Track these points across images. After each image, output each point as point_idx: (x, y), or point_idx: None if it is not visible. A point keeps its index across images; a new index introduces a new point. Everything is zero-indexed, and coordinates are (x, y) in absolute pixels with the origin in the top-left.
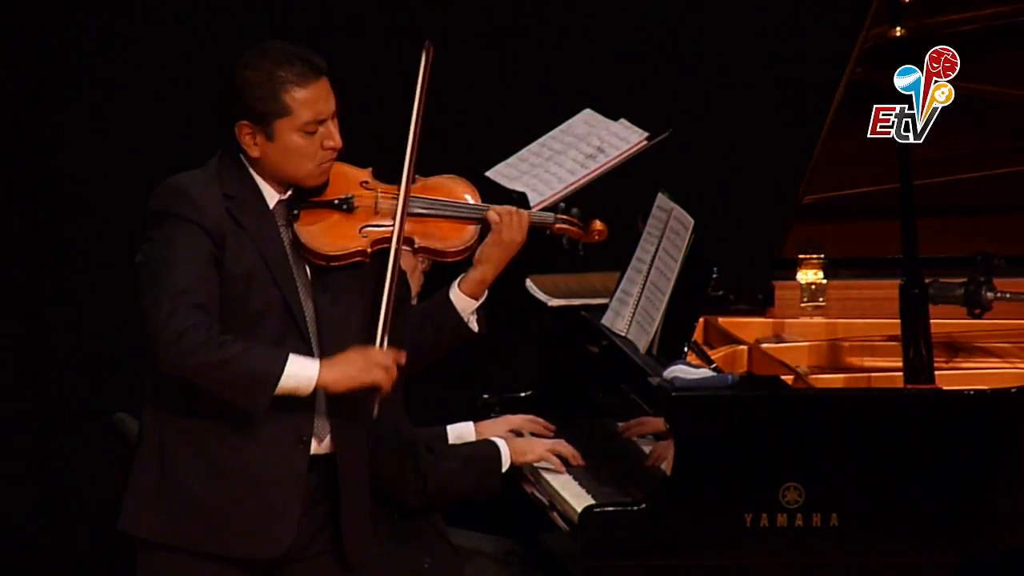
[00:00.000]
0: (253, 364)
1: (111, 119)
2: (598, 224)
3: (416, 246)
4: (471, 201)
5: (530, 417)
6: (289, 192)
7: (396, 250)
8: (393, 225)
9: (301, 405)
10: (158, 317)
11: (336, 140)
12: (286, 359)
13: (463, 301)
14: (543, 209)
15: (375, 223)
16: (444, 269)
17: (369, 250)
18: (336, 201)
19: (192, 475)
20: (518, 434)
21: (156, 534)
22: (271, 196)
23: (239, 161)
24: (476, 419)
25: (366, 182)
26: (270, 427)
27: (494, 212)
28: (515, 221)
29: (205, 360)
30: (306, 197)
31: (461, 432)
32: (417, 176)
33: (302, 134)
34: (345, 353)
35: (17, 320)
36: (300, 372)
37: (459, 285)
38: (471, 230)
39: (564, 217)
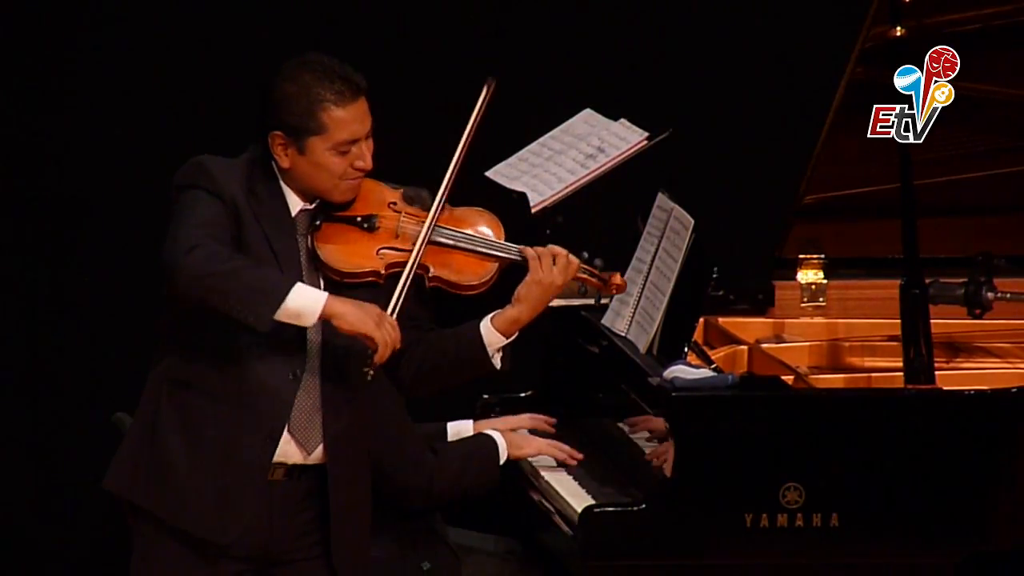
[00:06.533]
0: (263, 276)
1: (111, 119)
2: (618, 279)
3: (431, 275)
4: (495, 238)
5: (529, 416)
6: (316, 203)
7: (422, 243)
8: (412, 250)
9: (281, 398)
10: (175, 240)
11: (367, 161)
12: (296, 280)
13: (492, 336)
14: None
15: (394, 246)
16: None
17: (383, 272)
18: (359, 219)
19: (173, 443)
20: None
21: (129, 492)
22: (295, 204)
23: (268, 165)
24: (476, 419)
25: (394, 203)
26: (249, 414)
27: (533, 251)
28: (558, 263)
29: (215, 269)
30: (331, 211)
31: (460, 429)
32: (447, 205)
33: (334, 152)
34: (362, 302)
35: (17, 320)
36: (309, 293)
37: (492, 320)
38: (489, 267)
39: (586, 268)
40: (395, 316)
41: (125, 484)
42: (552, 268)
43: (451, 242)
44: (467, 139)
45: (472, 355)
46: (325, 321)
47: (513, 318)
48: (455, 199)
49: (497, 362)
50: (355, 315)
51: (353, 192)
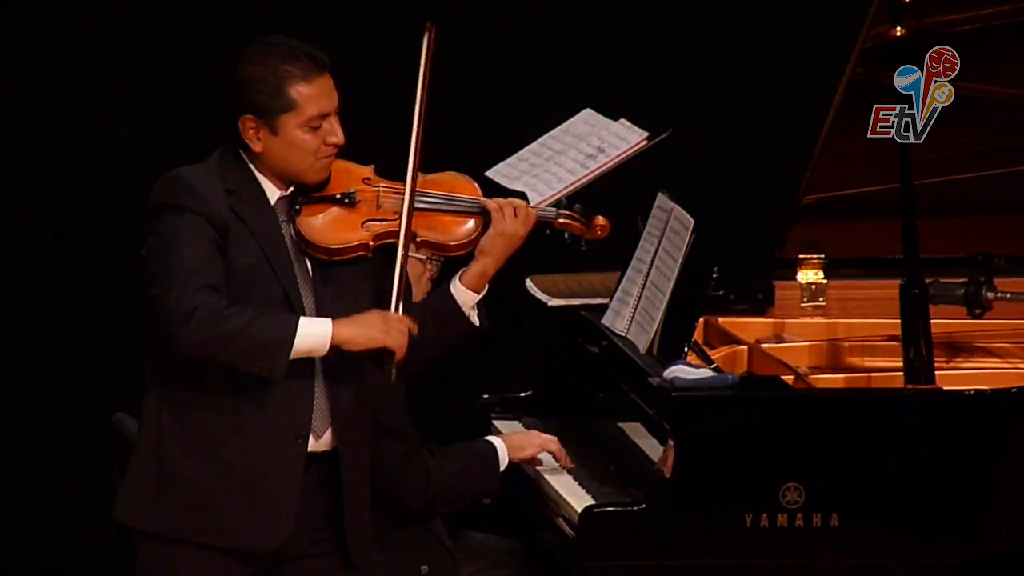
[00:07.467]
0: (266, 330)
1: (109, 118)
2: (600, 220)
3: (419, 239)
4: (472, 196)
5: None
6: (291, 189)
7: (407, 218)
8: (396, 219)
9: (299, 399)
10: (168, 300)
11: (339, 136)
12: (297, 320)
13: (464, 295)
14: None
15: (377, 218)
16: (450, 273)
17: (371, 244)
18: (338, 196)
19: (189, 465)
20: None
21: (151, 524)
22: (272, 192)
23: (239, 157)
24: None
25: (368, 179)
26: (267, 420)
27: (494, 202)
28: (519, 214)
29: (218, 334)
30: (308, 192)
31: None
32: (420, 173)
33: (306, 129)
34: (362, 314)
35: (16, 320)
36: (314, 331)
37: (460, 279)
38: (473, 224)
39: (567, 212)
40: (400, 306)
41: (144, 516)
42: (514, 219)
43: (433, 205)
44: (423, 90)
45: (450, 318)
46: (320, 298)
47: (479, 272)
48: (426, 170)
49: (475, 319)
50: (362, 334)
51: (327, 171)
